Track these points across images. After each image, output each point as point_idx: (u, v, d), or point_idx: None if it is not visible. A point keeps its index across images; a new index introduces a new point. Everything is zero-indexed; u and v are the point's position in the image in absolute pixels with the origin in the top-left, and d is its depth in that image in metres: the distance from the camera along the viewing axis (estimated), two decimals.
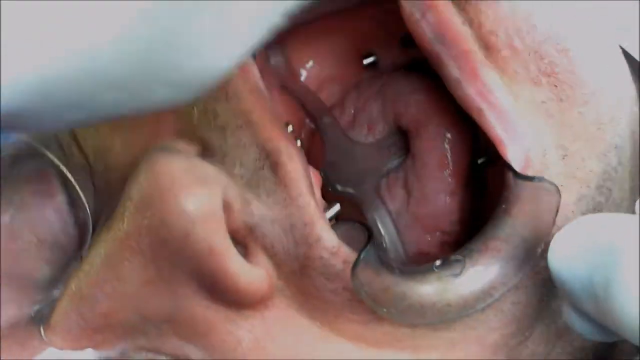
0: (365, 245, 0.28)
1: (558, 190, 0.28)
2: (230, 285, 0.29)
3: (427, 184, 0.34)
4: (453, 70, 0.30)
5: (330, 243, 0.29)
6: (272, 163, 0.30)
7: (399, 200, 0.35)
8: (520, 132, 0.29)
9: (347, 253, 0.29)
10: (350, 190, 0.34)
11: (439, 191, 0.33)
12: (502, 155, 0.29)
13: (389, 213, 0.34)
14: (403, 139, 0.35)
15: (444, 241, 0.34)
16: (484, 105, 0.29)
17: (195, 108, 0.32)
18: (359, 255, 0.28)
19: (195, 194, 0.28)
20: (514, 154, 0.29)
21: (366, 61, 0.37)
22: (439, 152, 0.33)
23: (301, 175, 0.30)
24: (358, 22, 0.36)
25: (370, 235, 0.29)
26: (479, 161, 0.34)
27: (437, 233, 0.34)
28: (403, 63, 0.37)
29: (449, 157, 0.33)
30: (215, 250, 0.28)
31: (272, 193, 0.30)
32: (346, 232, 0.30)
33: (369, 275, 0.28)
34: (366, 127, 0.36)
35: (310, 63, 0.37)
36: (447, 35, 0.30)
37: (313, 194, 0.30)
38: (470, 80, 0.29)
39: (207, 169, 0.29)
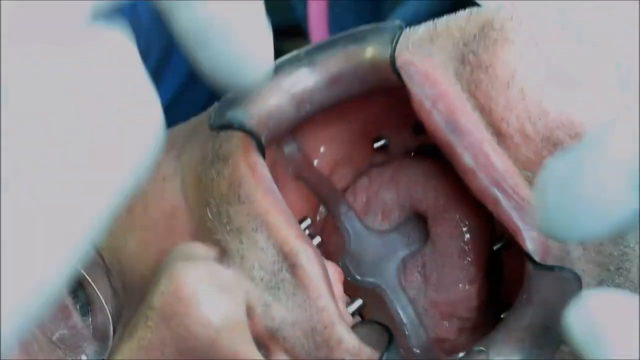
0: (387, 347, 0.28)
1: (579, 278, 0.28)
2: None
3: (447, 272, 0.33)
4: (467, 159, 0.30)
5: (351, 344, 0.29)
6: (290, 265, 0.30)
7: (416, 286, 0.35)
8: None
9: (369, 354, 0.29)
10: (370, 279, 0.34)
11: (458, 280, 0.33)
12: (521, 245, 0.29)
13: (409, 300, 0.34)
14: (420, 225, 0.35)
15: (462, 327, 0.34)
16: (499, 195, 0.29)
17: (208, 210, 0.32)
18: (380, 357, 0.28)
19: (218, 303, 0.28)
20: (533, 244, 0.29)
21: (377, 144, 0.37)
22: (458, 240, 0.33)
23: (319, 276, 0.29)
24: (369, 109, 0.36)
25: (391, 335, 0.28)
26: (495, 247, 0.33)
27: (455, 319, 0.34)
28: (414, 147, 0.37)
29: (468, 244, 0.33)
30: (240, 357, 0.29)
31: (291, 295, 0.29)
32: (367, 333, 0.29)
33: None
34: (380, 215, 0.36)
35: (322, 149, 0.38)
36: (459, 124, 0.30)
37: (332, 294, 0.30)
38: (484, 170, 0.29)
39: (227, 275, 0.30)
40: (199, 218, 0.33)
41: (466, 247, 0.33)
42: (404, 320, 0.33)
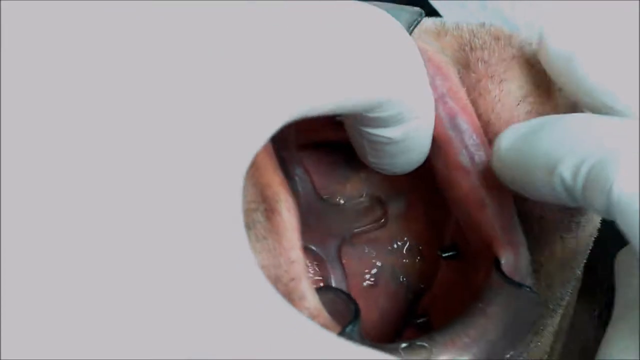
0: (352, 321, 0.27)
1: (541, 304, 0.29)
2: None
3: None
4: (463, 157, 0.30)
5: (312, 304, 0.28)
6: (267, 209, 0.28)
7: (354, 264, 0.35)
8: (517, 240, 0.30)
9: (325, 319, 0.28)
10: (313, 247, 0.34)
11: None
12: (496, 253, 0.29)
13: (344, 275, 0.34)
14: (373, 205, 0.35)
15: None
16: (487, 199, 0.29)
17: None
18: (344, 329, 0.27)
19: None
20: (506, 257, 0.29)
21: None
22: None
23: (295, 229, 0.28)
24: None
25: (357, 310, 0.28)
26: (444, 255, 0.34)
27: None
28: None
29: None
30: None
31: (262, 239, 0.28)
32: (331, 299, 0.28)
33: None
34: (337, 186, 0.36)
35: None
36: (461, 122, 0.30)
37: (302, 249, 0.29)
38: (478, 171, 0.30)
39: None
40: None
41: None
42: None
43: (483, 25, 0.32)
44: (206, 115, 0.19)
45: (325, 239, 0.34)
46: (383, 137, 0.28)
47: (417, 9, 0.31)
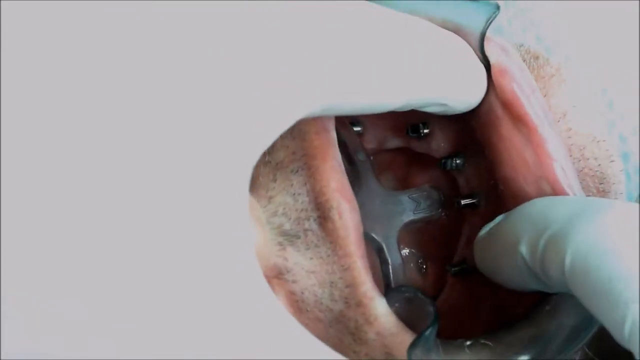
0: (432, 323, 0.28)
1: None
2: None
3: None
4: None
5: (372, 311, 0.28)
6: (321, 216, 0.29)
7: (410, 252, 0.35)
8: None
9: (383, 326, 0.29)
10: (371, 234, 0.34)
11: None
12: None
13: (403, 262, 0.34)
14: (432, 195, 0.35)
15: None
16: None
17: None
18: (422, 332, 0.27)
19: None
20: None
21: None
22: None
23: (350, 234, 0.29)
24: None
25: (436, 313, 0.28)
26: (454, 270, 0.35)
27: None
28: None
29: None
30: None
31: (313, 246, 0.29)
32: (403, 299, 0.29)
33: (420, 354, 0.28)
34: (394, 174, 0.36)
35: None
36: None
37: (363, 255, 0.29)
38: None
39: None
40: None
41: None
42: (393, 284, 0.34)
43: (522, 45, 0.33)
44: (215, 111, 0.19)
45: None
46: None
47: (493, 2, 0.31)
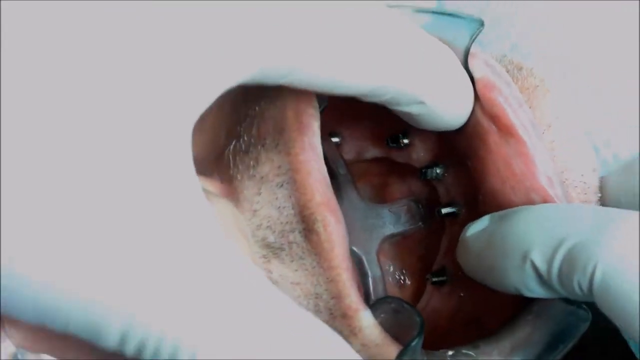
0: (418, 334, 0.28)
1: (588, 318, 0.29)
2: None
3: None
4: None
5: (358, 323, 0.29)
6: (305, 229, 0.29)
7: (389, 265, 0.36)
8: None
9: (368, 337, 0.29)
10: (353, 247, 0.34)
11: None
12: None
13: (382, 275, 0.35)
14: (412, 209, 0.36)
15: None
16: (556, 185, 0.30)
17: (235, 143, 0.30)
18: (409, 342, 0.27)
19: None
20: None
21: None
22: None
23: (334, 247, 0.29)
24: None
25: (422, 323, 0.28)
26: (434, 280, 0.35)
27: None
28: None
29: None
30: None
31: (297, 259, 0.29)
32: (390, 309, 0.29)
33: None
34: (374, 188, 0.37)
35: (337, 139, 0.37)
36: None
37: (348, 267, 0.29)
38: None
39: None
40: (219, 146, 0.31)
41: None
42: (373, 296, 0.34)
43: (505, 56, 0.33)
44: (153, 72, 0.20)
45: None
46: (402, 112, 0.29)
47: (477, 18, 0.32)
